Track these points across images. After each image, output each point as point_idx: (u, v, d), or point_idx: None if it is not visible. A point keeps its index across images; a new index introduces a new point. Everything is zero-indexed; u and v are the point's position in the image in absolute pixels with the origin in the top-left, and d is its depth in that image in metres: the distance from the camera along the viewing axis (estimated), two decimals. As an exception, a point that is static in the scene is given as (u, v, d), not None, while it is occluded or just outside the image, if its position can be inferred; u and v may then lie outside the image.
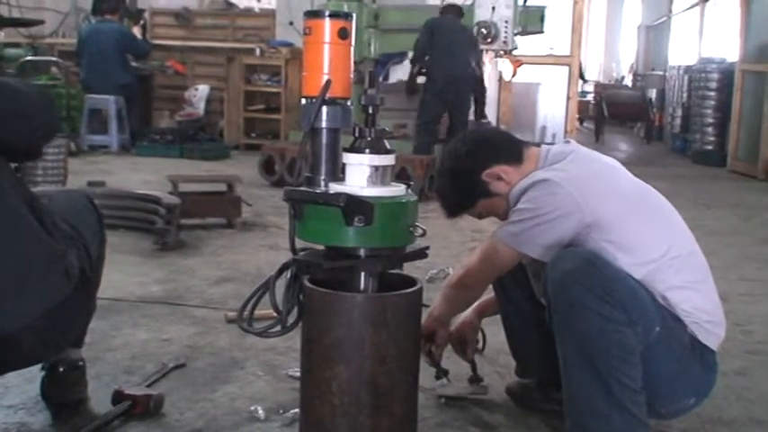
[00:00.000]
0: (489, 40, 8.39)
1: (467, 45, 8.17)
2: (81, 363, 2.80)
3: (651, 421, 2.43)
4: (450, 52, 8.05)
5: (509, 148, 2.61)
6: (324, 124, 2.18)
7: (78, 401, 2.77)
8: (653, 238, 2.45)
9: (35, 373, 2.75)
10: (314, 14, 2.18)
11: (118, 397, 2.70)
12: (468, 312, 2.98)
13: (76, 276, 2.42)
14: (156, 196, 5.53)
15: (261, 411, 2.73)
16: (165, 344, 3.41)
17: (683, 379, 2.43)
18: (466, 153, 2.63)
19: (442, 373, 2.89)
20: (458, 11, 8.34)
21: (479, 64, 8.49)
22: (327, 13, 2.16)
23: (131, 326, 3.63)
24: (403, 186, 2.20)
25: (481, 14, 8.31)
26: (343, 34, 2.16)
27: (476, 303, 2.97)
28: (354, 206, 2.05)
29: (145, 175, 8.05)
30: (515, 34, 8.62)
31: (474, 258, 2.59)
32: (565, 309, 2.27)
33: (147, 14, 12.17)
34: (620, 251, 2.37)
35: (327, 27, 2.15)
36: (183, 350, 3.33)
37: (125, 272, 4.51)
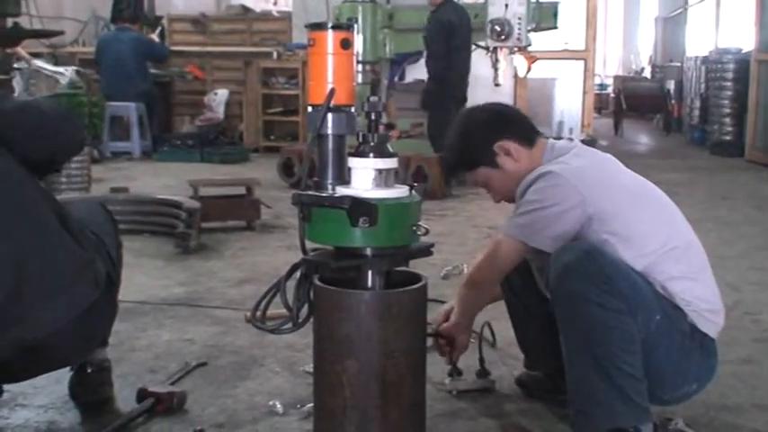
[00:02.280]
0: (503, 37, 8.44)
1: (470, 36, 8.20)
2: (107, 363, 2.91)
3: (656, 408, 2.52)
4: (464, 52, 8.10)
5: (525, 130, 2.73)
6: (329, 131, 2.28)
7: (105, 400, 2.88)
8: (652, 229, 2.53)
9: (63, 373, 2.86)
10: (317, 27, 2.28)
11: (142, 395, 2.80)
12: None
13: (103, 282, 2.53)
14: (178, 201, 5.66)
15: (279, 406, 2.83)
16: (188, 344, 3.53)
17: (684, 366, 2.50)
18: (484, 120, 2.75)
19: (456, 373, 3.00)
20: None
21: None
22: (330, 25, 2.27)
23: (155, 327, 3.75)
24: (406, 188, 2.29)
25: (494, 12, 8.34)
26: (345, 45, 2.26)
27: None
28: (359, 208, 2.15)
29: (166, 180, 8.19)
30: (529, 31, 8.66)
31: (482, 255, 2.69)
32: (566, 300, 2.36)
33: (164, 21, 12.30)
34: (620, 243, 2.45)
35: (330, 38, 2.25)
36: (205, 349, 3.45)
37: (149, 275, 4.64)
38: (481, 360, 3.08)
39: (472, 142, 2.74)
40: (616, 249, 2.45)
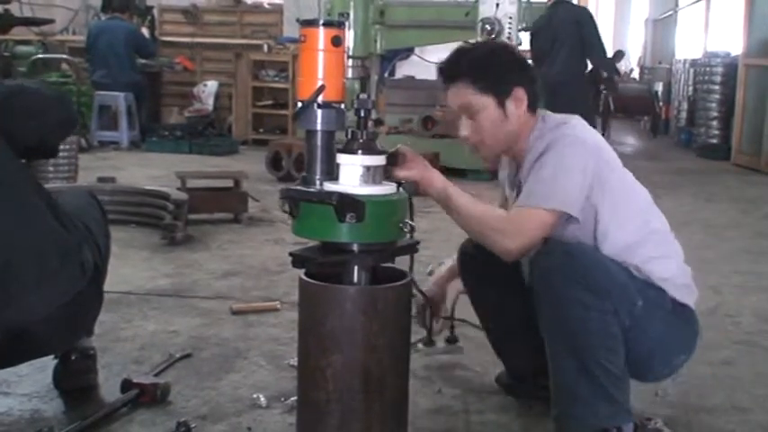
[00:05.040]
0: (494, 36, 8.45)
1: (565, 42, 8.04)
2: (92, 351, 2.93)
3: (636, 409, 2.54)
4: (544, 58, 8.04)
5: (536, 94, 2.60)
6: (319, 127, 2.30)
7: (89, 389, 2.90)
8: (638, 208, 2.61)
9: (47, 362, 2.88)
10: (308, 23, 2.29)
11: (126, 385, 2.81)
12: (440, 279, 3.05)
13: (90, 270, 2.54)
14: (165, 192, 5.66)
15: (263, 399, 2.85)
16: (173, 335, 3.54)
17: (673, 340, 2.58)
18: (518, 59, 2.64)
19: (430, 343, 3.14)
20: None
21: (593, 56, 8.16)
22: (321, 22, 2.28)
23: (140, 318, 3.76)
24: (393, 185, 2.31)
25: (485, 11, 8.35)
26: (336, 42, 2.27)
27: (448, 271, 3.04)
28: (346, 204, 2.16)
29: (154, 171, 8.17)
30: (519, 30, 8.68)
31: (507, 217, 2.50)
32: (550, 302, 2.38)
33: (155, 11, 12.28)
34: (611, 218, 2.50)
35: (321, 35, 2.27)
36: (190, 341, 3.46)
37: (135, 266, 4.65)
38: (452, 327, 3.20)
39: (500, 66, 2.56)
40: (607, 224, 2.49)
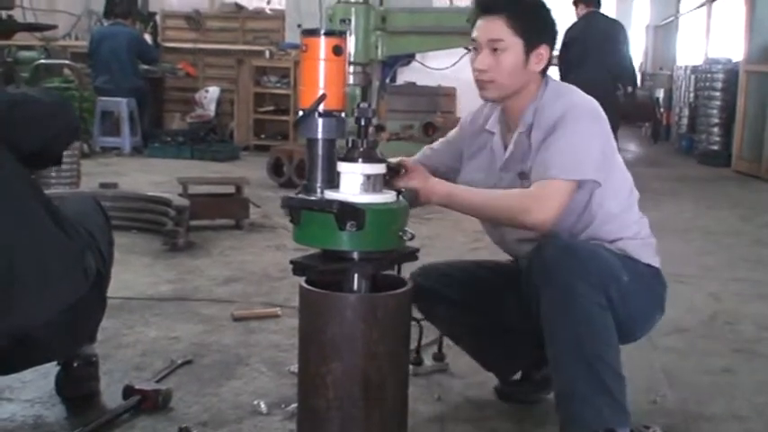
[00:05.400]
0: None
1: (596, 52, 8.13)
2: (94, 358, 2.94)
3: (634, 417, 2.53)
4: (580, 66, 8.09)
5: (550, 62, 2.66)
6: (320, 135, 2.32)
7: (91, 396, 2.91)
8: (623, 178, 2.69)
9: (50, 368, 2.89)
10: (310, 33, 2.31)
11: (128, 392, 2.82)
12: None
13: (93, 276, 2.56)
14: (167, 198, 5.68)
15: (263, 405, 2.86)
16: (174, 341, 3.55)
17: (651, 304, 2.68)
18: (555, 23, 2.67)
19: (417, 362, 3.17)
20: (595, 3, 8.33)
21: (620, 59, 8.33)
22: (323, 32, 2.30)
23: (142, 324, 3.77)
24: (393, 193, 2.33)
25: (486, 17, 8.40)
26: (337, 51, 2.28)
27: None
28: (347, 212, 2.18)
29: (156, 177, 8.19)
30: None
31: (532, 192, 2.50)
32: (552, 298, 2.38)
33: (158, 17, 12.32)
34: (606, 188, 2.57)
35: (323, 45, 2.28)
36: (191, 347, 3.47)
37: (136, 272, 4.66)
38: (440, 344, 3.24)
39: (539, 17, 2.61)
40: (603, 191, 2.56)
